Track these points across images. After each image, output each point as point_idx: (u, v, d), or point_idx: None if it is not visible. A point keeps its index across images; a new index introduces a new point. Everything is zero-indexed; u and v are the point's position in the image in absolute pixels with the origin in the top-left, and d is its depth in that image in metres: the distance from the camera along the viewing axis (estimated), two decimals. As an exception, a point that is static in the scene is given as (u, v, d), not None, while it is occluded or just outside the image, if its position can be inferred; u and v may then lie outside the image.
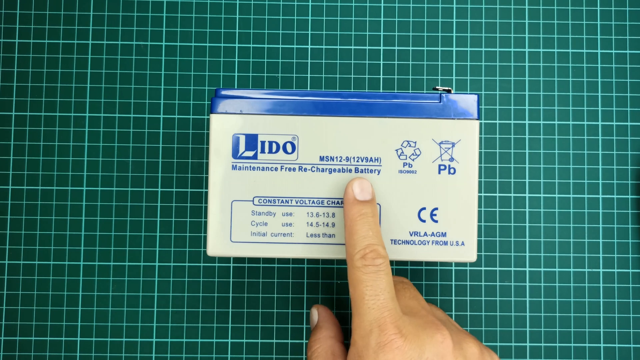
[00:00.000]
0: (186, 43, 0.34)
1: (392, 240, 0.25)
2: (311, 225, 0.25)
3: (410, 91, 0.34)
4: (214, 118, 0.25)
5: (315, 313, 0.26)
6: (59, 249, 0.33)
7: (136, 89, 0.33)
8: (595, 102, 0.34)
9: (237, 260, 0.33)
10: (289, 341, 0.33)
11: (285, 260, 0.33)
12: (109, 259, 0.33)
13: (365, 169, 0.25)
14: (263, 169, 0.25)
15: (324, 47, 0.34)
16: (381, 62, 0.34)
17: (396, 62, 0.34)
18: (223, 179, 0.25)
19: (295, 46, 0.34)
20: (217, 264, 0.33)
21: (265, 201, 0.25)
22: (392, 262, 0.33)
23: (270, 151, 0.25)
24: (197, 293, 0.33)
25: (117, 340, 0.33)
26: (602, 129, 0.34)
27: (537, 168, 0.33)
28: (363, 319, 0.22)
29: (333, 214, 0.25)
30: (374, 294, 0.22)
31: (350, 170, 0.25)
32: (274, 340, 0.33)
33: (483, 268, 0.33)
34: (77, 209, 0.33)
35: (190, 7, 0.34)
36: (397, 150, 0.25)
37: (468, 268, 0.33)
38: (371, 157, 0.25)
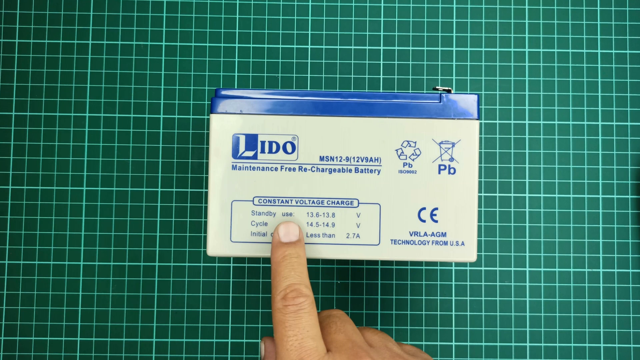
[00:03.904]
0: (186, 43, 0.34)
1: (392, 240, 0.25)
2: (311, 225, 0.25)
3: (410, 91, 0.34)
4: (214, 118, 0.25)
5: (262, 347, 0.26)
6: (59, 249, 0.33)
7: (136, 89, 0.33)
8: (595, 102, 0.34)
9: (237, 260, 0.33)
10: (289, 341, 0.33)
11: (285, 260, 0.33)
12: (109, 259, 0.33)
13: (365, 169, 0.25)
14: (263, 169, 0.25)
15: (324, 47, 0.34)
16: (381, 62, 0.34)
17: (396, 62, 0.34)
18: (223, 179, 0.25)
19: (295, 46, 0.34)
20: (217, 264, 0.33)
21: (265, 201, 0.25)
22: (392, 262, 0.33)
23: (270, 151, 0.25)
24: (197, 293, 0.33)
25: (117, 340, 0.33)
26: (602, 129, 0.34)
27: (537, 168, 0.33)
28: None
29: (333, 214, 0.25)
30: (293, 334, 0.22)
31: (350, 170, 0.25)
32: (274, 340, 0.33)
33: (483, 268, 0.33)
34: (77, 209, 0.33)
35: (190, 7, 0.34)
36: (397, 150, 0.25)
37: (468, 268, 0.33)
38: (371, 157, 0.25)
